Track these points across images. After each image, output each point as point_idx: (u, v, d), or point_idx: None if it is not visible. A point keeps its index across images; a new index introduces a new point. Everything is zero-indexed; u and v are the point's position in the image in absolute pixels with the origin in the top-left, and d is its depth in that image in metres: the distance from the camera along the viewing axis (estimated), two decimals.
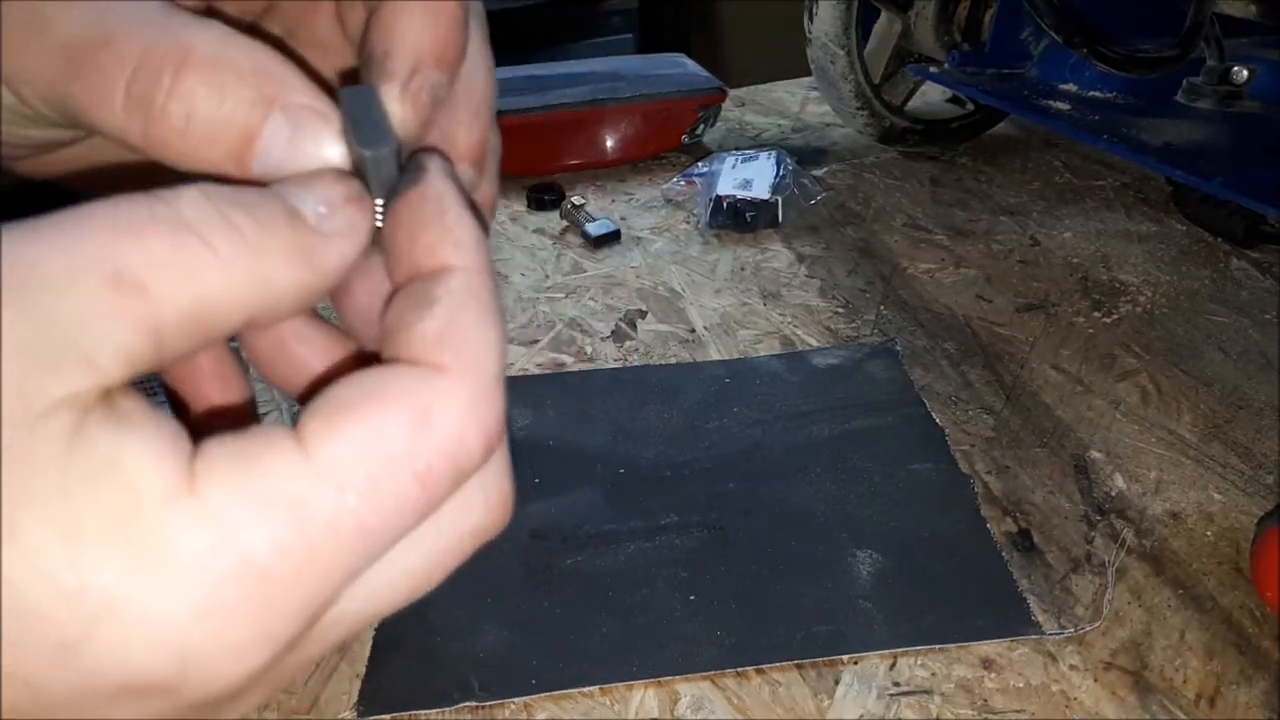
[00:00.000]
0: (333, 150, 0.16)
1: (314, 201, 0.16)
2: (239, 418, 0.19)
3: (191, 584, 0.13)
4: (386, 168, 0.16)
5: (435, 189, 0.17)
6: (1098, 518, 0.43)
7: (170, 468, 0.13)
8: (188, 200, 0.14)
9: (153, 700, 0.13)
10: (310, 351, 0.19)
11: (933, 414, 0.50)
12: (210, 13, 0.19)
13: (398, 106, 0.17)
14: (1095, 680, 0.36)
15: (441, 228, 0.16)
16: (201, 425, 0.16)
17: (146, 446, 0.13)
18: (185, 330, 0.14)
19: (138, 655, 0.13)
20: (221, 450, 0.14)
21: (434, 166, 0.17)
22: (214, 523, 0.13)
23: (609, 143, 0.82)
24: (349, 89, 0.17)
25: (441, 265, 0.16)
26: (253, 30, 0.19)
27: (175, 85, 0.15)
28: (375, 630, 0.39)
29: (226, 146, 0.16)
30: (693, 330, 0.59)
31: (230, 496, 0.13)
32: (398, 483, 0.14)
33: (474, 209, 0.17)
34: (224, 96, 0.16)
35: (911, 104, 0.85)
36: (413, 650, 0.38)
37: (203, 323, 0.14)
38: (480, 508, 0.17)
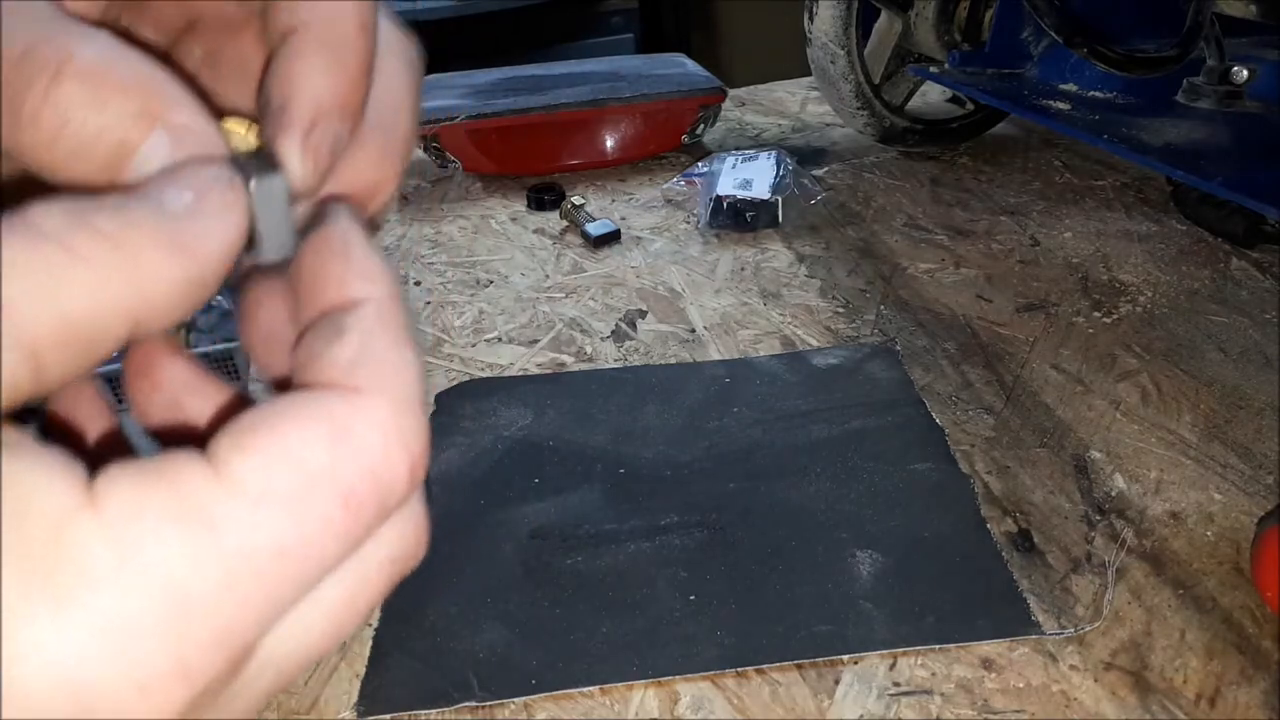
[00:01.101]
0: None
1: (178, 189, 0.14)
2: (131, 452, 0.18)
3: (94, 608, 0.12)
4: (281, 233, 0.16)
5: (340, 229, 0.16)
6: (1098, 518, 0.43)
7: (67, 484, 0.12)
8: (40, 210, 0.13)
9: None
10: (203, 404, 0.18)
11: (933, 414, 0.50)
12: (125, 34, 0.18)
13: (296, 161, 0.17)
14: (1095, 680, 0.36)
15: (347, 262, 0.16)
16: (93, 456, 0.14)
17: (38, 465, 0.12)
18: (63, 347, 0.13)
19: (34, 693, 0.11)
20: (123, 470, 0.13)
21: (339, 211, 0.17)
22: (118, 538, 0.12)
23: (609, 143, 0.82)
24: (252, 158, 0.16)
25: (351, 298, 0.16)
26: (166, 57, 0.19)
27: (51, 91, 0.14)
28: (375, 630, 0.39)
29: (101, 160, 0.15)
30: (693, 330, 0.59)
31: (135, 510, 0.12)
32: (319, 502, 0.13)
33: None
34: (102, 107, 0.15)
35: (912, 104, 0.85)
36: (413, 650, 0.38)
37: (81, 335, 0.13)
38: (397, 536, 0.16)
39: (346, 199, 0.18)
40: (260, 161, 0.16)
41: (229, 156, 0.16)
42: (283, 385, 0.16)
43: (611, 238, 0.70)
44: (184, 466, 0.13)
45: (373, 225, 0.19)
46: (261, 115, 0.17)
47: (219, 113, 0.16)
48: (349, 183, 0.18)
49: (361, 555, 0.15)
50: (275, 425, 0.14)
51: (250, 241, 0.16)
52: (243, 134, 0.17)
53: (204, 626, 0.13)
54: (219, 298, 2.52)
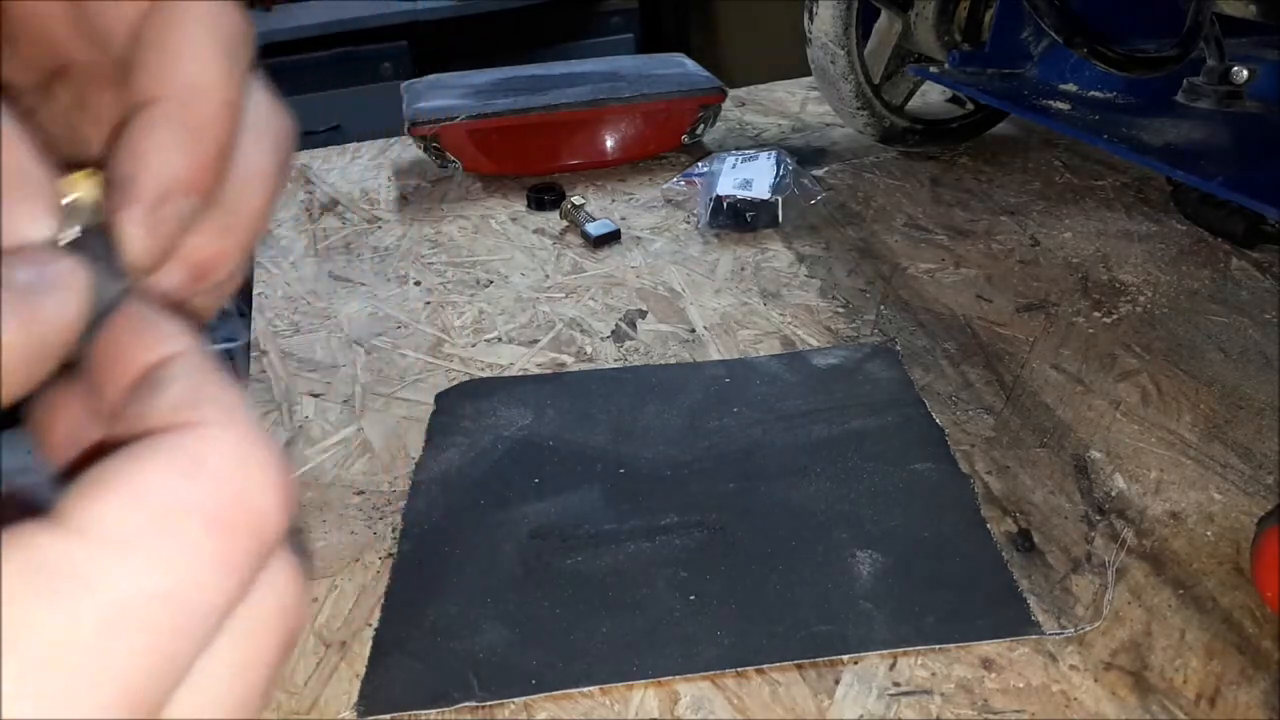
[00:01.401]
0: (46, 230, 0.15)
1: (23, 265, 0.14)
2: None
3: None
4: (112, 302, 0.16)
5: (134, 307, 0.16)
6: (1098, 518, 0.43)
7: None
8: None
9: None
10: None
11: (933, 414, 0.50)
12: None
13: (137, 238, 0.16)
14: (1095, 680, 0.36)
15: (154, 327, 0.15)
16: None
17: None
18: None
19: None
20: None
21: (132, 296, 0.16)
22: None
23: (609, 143, 0.82)
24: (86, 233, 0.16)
25: (165, 355, 0.15)
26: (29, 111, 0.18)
27: None
28: (375, 630, 0.39)
29: None
30: (693, 330, 0.59)
31: None
32: (187, 534, 0.12)
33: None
34: None
35: (912, 104, 0.85)
36: (413, 650, 0.38)
37: None
38: (282, 581, 0.15)
39: (184, 270, 0.17)
40: (102, 238, 0.16)
41: (78, 228, 0.15)
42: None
43: (611, 238, 0.70)
44: (33, 532, 0.12)
45: (217, 293, 0.19)
46: (108, 183, 0.16)
47: (74, 164, 0.16)
48: (188, 255, 0.17)
49: (250, 603, 0.14)
50: (123, 469, 0.13)
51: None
52: (91, 187, 0.16)
53: (98, 687, 0.12)
54: None
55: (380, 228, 0.75)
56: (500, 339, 0.59)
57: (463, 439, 0.49)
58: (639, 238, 0.71)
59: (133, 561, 0.12)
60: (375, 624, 0.39)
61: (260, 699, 0.14)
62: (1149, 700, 0.35)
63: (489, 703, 0.35)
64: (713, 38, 2.48)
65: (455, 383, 0.54)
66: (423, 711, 0.35)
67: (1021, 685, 0.35)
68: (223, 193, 0.17)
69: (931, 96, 0.93)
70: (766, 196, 0.71)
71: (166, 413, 0.14)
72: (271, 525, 0.14)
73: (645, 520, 0.43)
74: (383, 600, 0.40)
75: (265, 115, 0.18)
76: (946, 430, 0.49)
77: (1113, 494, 0.45)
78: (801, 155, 0.83)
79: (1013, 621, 0.38)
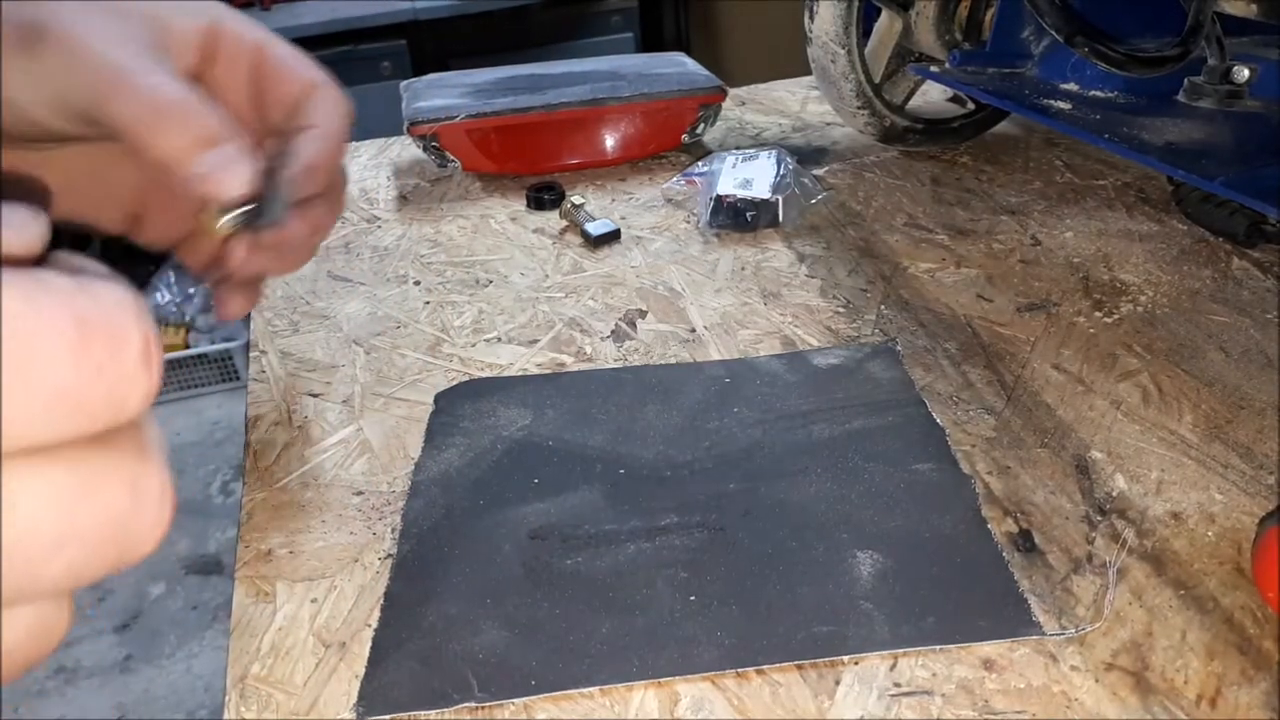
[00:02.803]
0: (238, 182, 0.31)
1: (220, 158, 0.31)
2: None
3: None
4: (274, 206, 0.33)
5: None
6: (1099, 518, 0.43)
7: None
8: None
9: None
10: None
11: (933, 414, 0.50)
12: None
13: (294, 183, 0.33)
14: (1096, 681, 0.35)
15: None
16: None
17: None
18: None
19: None
20: None
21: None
22: None
23: (609, 142, 0.82)
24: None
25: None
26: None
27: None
28: (375, 630, 0.39)
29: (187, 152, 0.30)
30: (693, 330, 0.59)
31: None
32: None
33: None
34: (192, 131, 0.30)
35: (912, 103, 0.85)
36: (412, 651, 0.38)
37: None
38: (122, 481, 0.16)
39: (306, 225, 0.36)
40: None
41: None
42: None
43: (611, 237, 0.70)
44: None
45: (317, 241, 0.38)
46: (280, 159, 0.34)
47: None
48: (314, 218, 0.36)
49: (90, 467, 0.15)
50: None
51: (258, 212, 0.32)
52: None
53: None
54: None
55: (379, 227, 0.75)
56: (500, 339, 0.59)
57: (462, 439, 0.49)
58: (639, 237, 0.71)
59: None
60: (375, 624, 0.39)
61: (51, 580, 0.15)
62: (1150, 701, 0.35)
63: (489, 703, 0.35)
64: (713, 37, 2.47)
65: (455, 383, 0.54)
66: (422, 712, 0.35)
67: (1022, 686, 0.35)
68: (333, 186, 0.37)
69: (932, 96, 0.93)
70: (767, 196, 0.70)
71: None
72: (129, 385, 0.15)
73: (645, 520, 0.43)
74: (382, 600, 0.40)
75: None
76: (947, 430, 0.49)
77: (1114, 494, 0.45)
78: (802, 155, 0.83)
79: (1013, 622, 0.38)
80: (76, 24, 0.31)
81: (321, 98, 0.36)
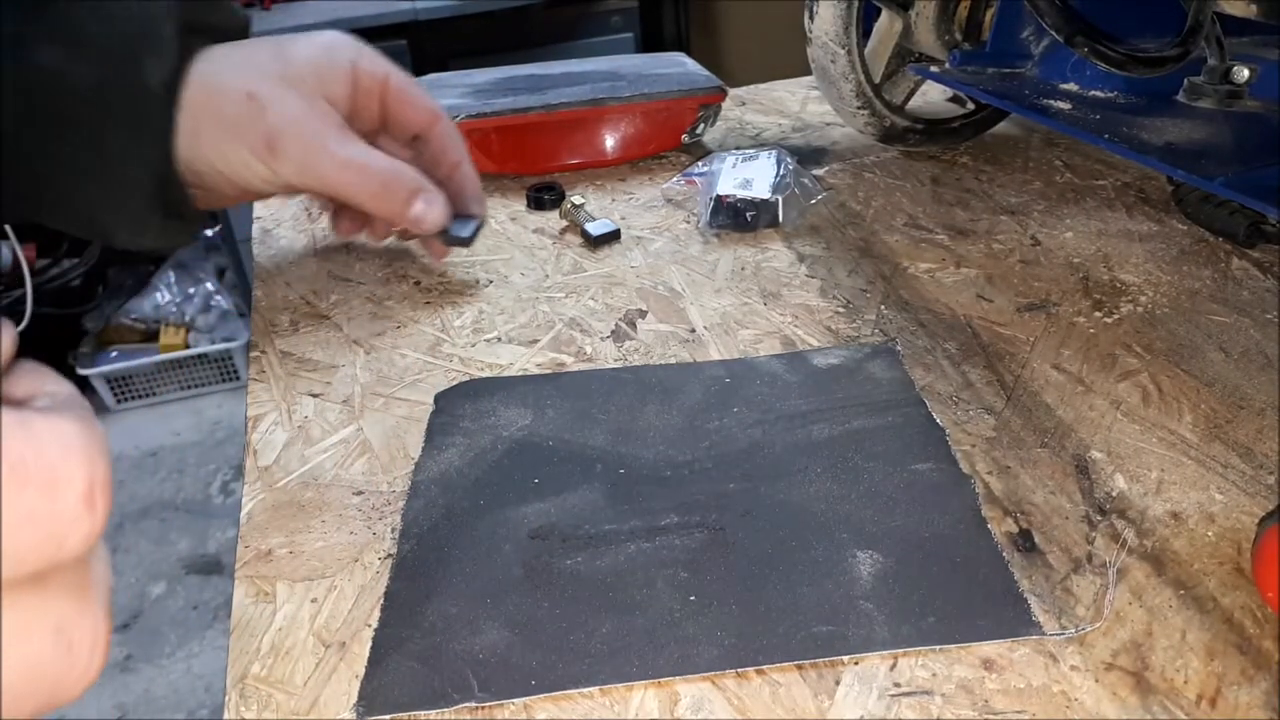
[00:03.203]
0: (442, 216, 0.53)
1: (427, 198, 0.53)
2: None
3: None
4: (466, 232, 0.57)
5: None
6: (1099, 518, 0.43)
7: None
8: None
9: None
10: None
11: (933, 414, 0.50)
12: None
13: (464, 180, 0.56)
14: (1096, 681, 0.35)
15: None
16: None
17: None
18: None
19: None
20: None
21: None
22: None
23: (609, 142, 0.82)
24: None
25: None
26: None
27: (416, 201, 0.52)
28: (375, 631, 0.39)
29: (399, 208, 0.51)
30: (693, 330, 0.59)
31: None
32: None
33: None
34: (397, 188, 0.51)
35: (912, 103, 0.85)
36: (412, 650, 0.38)
37: None
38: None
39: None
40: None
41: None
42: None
43: (611, 237, 0.70)
44: None
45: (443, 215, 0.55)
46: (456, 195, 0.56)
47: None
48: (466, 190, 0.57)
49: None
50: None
51: (445, 232, 0.56)
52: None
53: None
54: (218, 297, 2.49)
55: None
56: (500, 339, 0.59)
57: (462, 439, 0.49)
58: (639, 237, 0.71)
59: None
60: (375, 624, 0.39)
61: None
62: (1150, 701, 0.35)
63: (489, 703, 0.35)
64: (713, 37, 2.47)
65: (455, 383, 0.54)
66: (422, 712, 0.35)
67: (1022, 686, 0.35)
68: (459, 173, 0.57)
69: (932, 96, 0.93)
70: (767, 196, 0.70)
71: None
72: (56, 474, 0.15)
73: (645, 520, 0.43)
74: (382, 600, 0.40)
75: None
76: (947, 430, 0.49)
77: (1113, 494, 0.45)
78: (802, 155, 0.83)
79: (1013, 622, 0.38)
80: (293, 122, 0.43)
81: (445, 130, 0.52)
